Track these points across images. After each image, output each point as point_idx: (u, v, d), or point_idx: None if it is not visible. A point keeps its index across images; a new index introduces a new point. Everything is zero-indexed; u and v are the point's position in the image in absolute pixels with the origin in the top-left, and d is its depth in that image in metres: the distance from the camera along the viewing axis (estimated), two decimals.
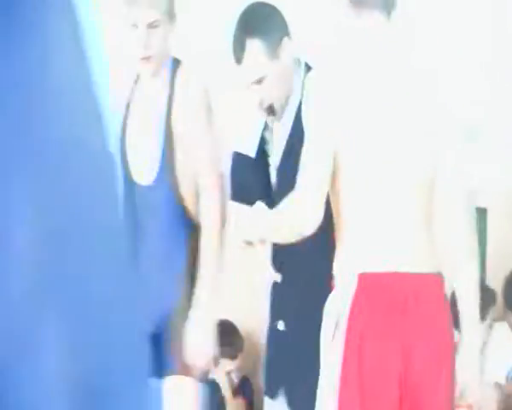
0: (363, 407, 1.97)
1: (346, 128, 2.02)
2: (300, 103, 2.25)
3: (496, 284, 4.29)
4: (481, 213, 4.24)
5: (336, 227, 2.09)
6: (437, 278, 2.06)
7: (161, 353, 2.29)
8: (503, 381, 4.00)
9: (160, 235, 2.42)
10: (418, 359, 1.98)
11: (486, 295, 3.67)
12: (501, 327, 4.20)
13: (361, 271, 2.00)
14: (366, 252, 2.02)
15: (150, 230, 2.41)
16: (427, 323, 2.01)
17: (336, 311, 1.99)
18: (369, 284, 1.99)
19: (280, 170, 2.46)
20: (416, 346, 1.99)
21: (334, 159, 2.00)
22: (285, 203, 2.07)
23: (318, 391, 2.03)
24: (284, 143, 2.45)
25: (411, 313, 2.00)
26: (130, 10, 2.45)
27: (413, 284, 2.02)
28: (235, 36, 2.45)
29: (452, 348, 2.06)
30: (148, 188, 2.42)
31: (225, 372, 4.10)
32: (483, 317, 3.29)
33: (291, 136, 2.42)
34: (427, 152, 2.06)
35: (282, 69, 2.45)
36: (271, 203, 2.24)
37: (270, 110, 2.47)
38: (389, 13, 2.13)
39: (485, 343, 3.79)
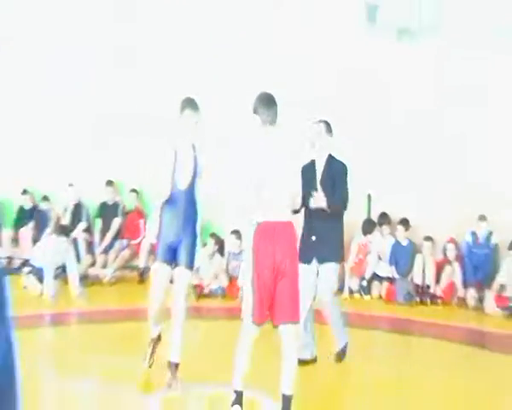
0: (258, 280, 4.40)
1: None
2: None
3: None
4: None
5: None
6: (290, 223, 4.52)
7: None
8: None
9: (188, 210, 5.44)
10: (280, 254, 4.39)
11: None
12: None
13: (259, 221, 4.46)
14: (261, 213, 4.45)
15: (184, 209, 5.42)
16: (284, 239, 4.44)
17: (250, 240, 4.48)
18: (260, 227, 4.44)
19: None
20: (279, 249, 4.39)
21: None
22: None
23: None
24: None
25: (277, 237, 4.41)
26: (182, 113, 5.41)
27: (278, 225, 4.45)
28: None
29: (296, 251, 4.58)
30: (184, 191, 5.42)
31: None
32: None
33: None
34: None
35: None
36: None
37: None
38: None
39: None
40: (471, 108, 9.42)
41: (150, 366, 5.54)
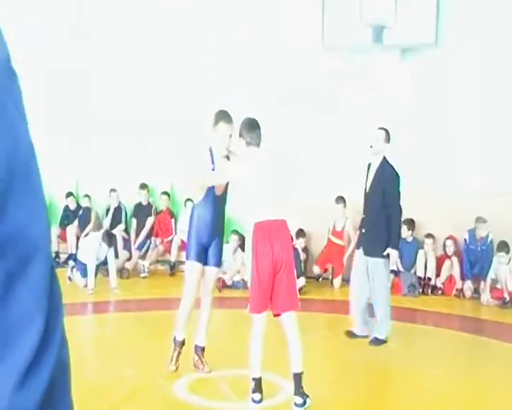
0: (259, 274, 4.88)
1: None
2: None
3: None
4: None
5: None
6: (284, 222, 5.00)
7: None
8: None
9: (221, 215, 5.93)
10: (277, 249, 4.86)
11: None
12: None
13: (256, 221, 4.95)
14: (257, 215, 4.97)
15: (218, 214, 5.85)
16: (280, 235, 4.93)
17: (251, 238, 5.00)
18: (259, 226, 4.93)
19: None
20: (276, 245, 4.88)
21: None
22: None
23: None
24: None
25: (274, 235, 4.90)
26: (216, 125, 5.58)
27: (275, 224, 4.94)
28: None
29: (291, 249, 5.12)
30: (220, 196, 5.80)
31: None
32: None
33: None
34: None
35: None
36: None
37: None
38: None
39: None
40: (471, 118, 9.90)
41: (176, 369, 5.83)
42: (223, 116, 5.61)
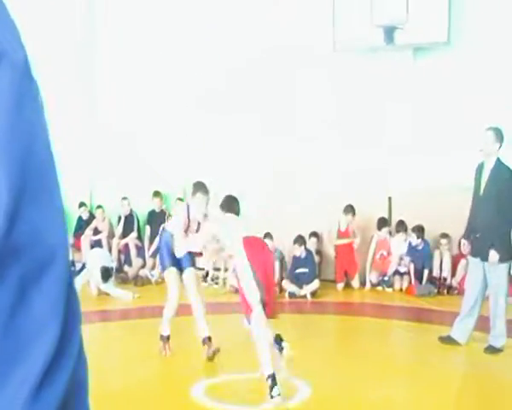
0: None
1: None
2: None
3: None
4: None
5: None
6: (260, 239, 6.05)
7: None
8: None
9: None
10: (262, 257, 5.31)
11: None
12: None
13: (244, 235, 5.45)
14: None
15: None
16: (261, 251, 5.44)
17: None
18: (248, 241, 5.36)
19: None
20: (259, 256, 5.31)
21: None
22: None
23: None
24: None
25: (259, 250, 5.41)
26: (194, 195, 6.39)
27: (256, 240, 5.61)
28: None
29: (271, 257, 5.95)
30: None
31: None
32: None
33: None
34: None
35: None
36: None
37: None
38: None
39: None
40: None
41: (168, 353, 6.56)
42: (200, 188, 6.44)
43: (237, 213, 5.84)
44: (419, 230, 10.02)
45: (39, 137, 0.63)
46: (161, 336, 6.65)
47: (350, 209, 10.27)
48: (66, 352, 0.62)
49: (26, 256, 0.60)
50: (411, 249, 10.13)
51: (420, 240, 10.05)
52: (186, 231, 6.39)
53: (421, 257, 10.08)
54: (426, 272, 10.03)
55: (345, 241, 10.41)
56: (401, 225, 10.26)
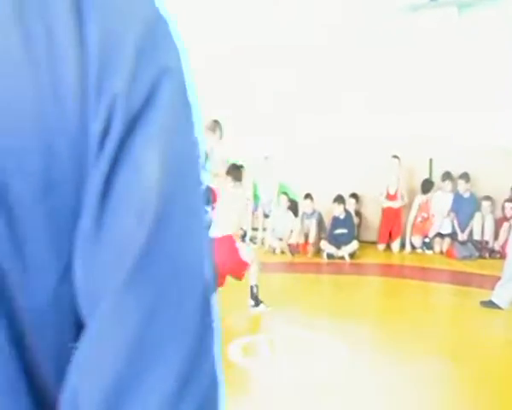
0: None
1: None
2: None
3: None
4: None
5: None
6: (231, 236, 6.18)
7: None
8: None
9: None
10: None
11: None
12: None
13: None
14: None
15: None
16: (230, 249, 6.07)
17: None
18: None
19: None
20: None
21: None
22: None
23: None
24: None
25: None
26: None
27: (227, 238, 6.08)
28: None
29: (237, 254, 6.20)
30: None
31: None
32: None
33: None
34: None
35: None
36: None
37: None
38: None
39: None
40: None
41: None
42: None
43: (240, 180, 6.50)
44: (466, 177, 9.93)
45: (187, 153, 0.60)
46: None
47: (396, 171, 10.18)
48: (199, 370, 0.57)
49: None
50: (458, 199, 10.00)
51: (469, 185, 9.94)
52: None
53: (468, 206, 9.93)
54: (471, 223, 9.94)
55: (395, 204, 10.35)
56: (447, 175, 10.17)
